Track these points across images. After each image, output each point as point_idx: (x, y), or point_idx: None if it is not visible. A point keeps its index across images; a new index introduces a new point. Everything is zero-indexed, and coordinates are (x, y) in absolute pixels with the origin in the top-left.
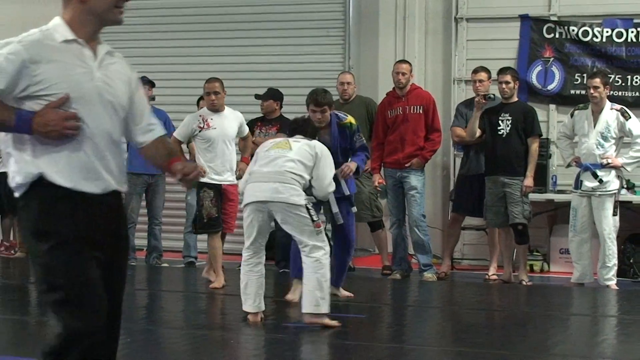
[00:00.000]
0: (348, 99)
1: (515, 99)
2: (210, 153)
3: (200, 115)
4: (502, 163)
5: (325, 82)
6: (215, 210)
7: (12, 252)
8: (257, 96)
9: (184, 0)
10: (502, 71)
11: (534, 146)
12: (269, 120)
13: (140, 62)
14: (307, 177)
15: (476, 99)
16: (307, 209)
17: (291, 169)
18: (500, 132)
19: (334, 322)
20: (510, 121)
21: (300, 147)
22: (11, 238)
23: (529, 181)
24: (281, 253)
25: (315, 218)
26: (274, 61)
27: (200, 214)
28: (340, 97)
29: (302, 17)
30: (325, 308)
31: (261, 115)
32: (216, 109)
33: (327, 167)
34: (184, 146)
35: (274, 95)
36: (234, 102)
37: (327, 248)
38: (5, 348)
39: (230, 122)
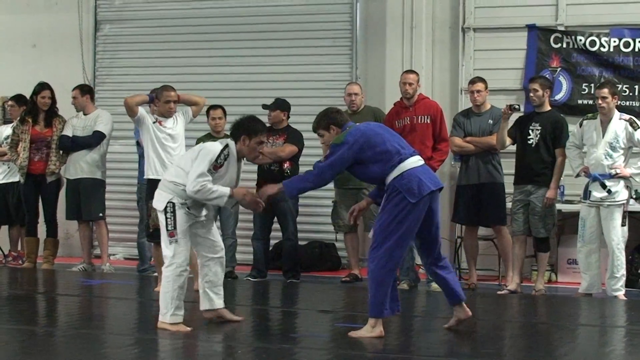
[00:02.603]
0: (356, 110)
1: (547, 107)
2: (162, 152)
3: (152, 115)
4: (529, 172)
5: (332, 92)
6: None
7: (20, 262)
8: (264, 106)
9: (191, 11)
10: (532, 80)
11: (561, 158)
12: (276, 131)
13: (148, 72)
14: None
15: (502, 110)
16: (166, 215)
17: (166, 175)
18: (529, 142)
19: (181, 329)
20: (539, 131)
21: (188, 151)
22: (19, 248)
23: (551, 193)
24: (288, 263)
25: (169, 227)
26: (281, 71)
27: (147, 223)
28: (349, 107)
29: (310, 27)
30: (167, 318)
31: (268, 125)
32: (168, 116)
33: (195, 167)
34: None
35: (281, 105)
36: (241, 113)
37: (177, 260)
38: (13, 358)
39: (178, 124)
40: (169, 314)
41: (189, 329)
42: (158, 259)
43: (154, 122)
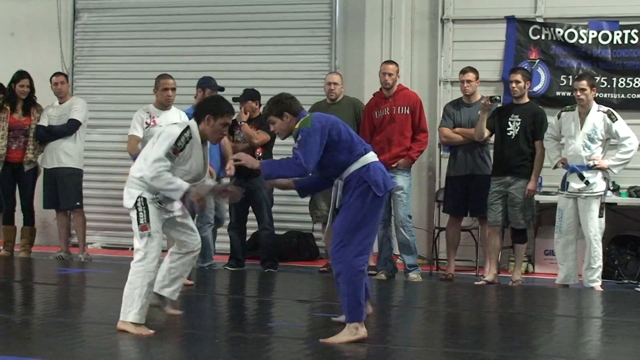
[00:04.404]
0: (335, 99)
1: (526, 99)
2: None
3: (147, 112)
4: (508, 164)
5: (311, 82)
6: None
7: None
8: (234, 99)
9: (170, 0)
10: (513, 70)
11: (541, 150)
12: (249, 120)
13: (127, 61)
14: None
15: (482, 101)
16: (137, 210)
17: (132, 171)
18: (509, 134)
19: (143, 331)
20: (519, 123)
21: (151, 139)
22: None
23: (532, 184)
24: (266, 252)
25: (142, 220)
26: (260, 61)
27: None
28: (327, 97)
29: (289, 17)
30: (129, 317)
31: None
32: (167, 106)
33: (153, 152)
34: None
35: (251, 95)
36: None
37: (149, 256)
38: None
39: (175, 119)
40: (132, 313)
41: (151, 332)
42: None
43: (146, 127)
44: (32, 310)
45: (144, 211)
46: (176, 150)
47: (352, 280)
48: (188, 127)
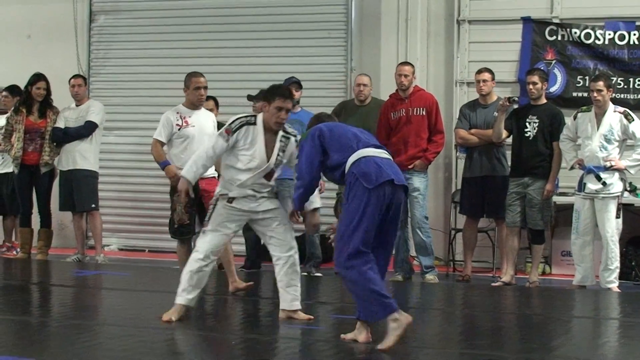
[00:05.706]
0: (364, 101)
1: (543, 100)
2: (188, 151)
3: (177, 113)
4: (526, 165)
5: (327, 84)
6: (187, 217)
7: (14, 252)
8: (249, 97)
9: (186, 3)
10: (530, 72)
11: (558, 151)
12: None
13: (143, 63)
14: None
15: (500, 102)
16: (210, 208)
17: None
18: (527, 134)
19: (165, 317)
20: (537, 124)
21: None
22: (13, 239)
23: (550, 185)
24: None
25: (206, 219)
26: (277, 62)
27: (171, 218)
28: (356, 98)
29: (305, 18)
30: (176, 298)
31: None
32: (198, 106)
33: None
34: None
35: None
36: (234, 104)
37: (198, 249)
38: (7, 348)
39: (207, 119)
40: (177, 295)
41: (173, 319)
42: (181, 258)
43: (178, 129)
44: (49, 312)
45: (212, 210)
46: (229, 131)
47: (354, 281)
48: (251, 116)
